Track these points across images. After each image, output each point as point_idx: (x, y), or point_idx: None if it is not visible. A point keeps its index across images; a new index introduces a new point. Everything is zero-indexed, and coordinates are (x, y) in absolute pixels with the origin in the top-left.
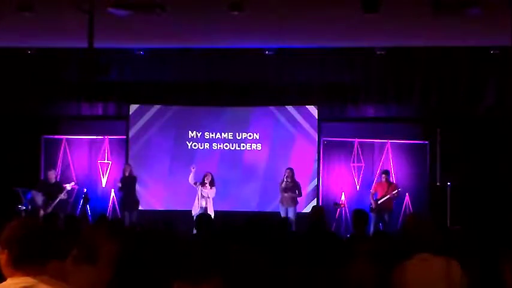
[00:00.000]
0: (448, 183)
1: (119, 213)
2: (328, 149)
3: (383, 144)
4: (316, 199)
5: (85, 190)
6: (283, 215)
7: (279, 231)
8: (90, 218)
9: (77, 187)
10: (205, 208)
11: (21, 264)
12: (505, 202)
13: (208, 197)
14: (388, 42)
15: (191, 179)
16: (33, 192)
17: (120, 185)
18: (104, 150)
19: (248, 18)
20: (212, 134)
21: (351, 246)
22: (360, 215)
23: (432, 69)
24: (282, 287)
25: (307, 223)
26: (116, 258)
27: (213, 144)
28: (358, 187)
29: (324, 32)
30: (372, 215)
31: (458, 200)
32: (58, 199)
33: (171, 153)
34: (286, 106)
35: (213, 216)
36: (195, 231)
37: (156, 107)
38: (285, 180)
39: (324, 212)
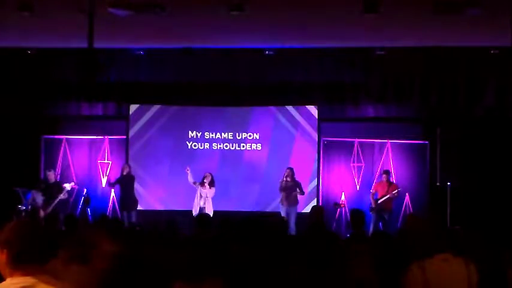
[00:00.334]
0: (448, 183)
1: (118, 213)
2: (328, 149)
3: (383, 144)
4: (316, 199)
5: (85, 190)
6: (284, 215)
7: (277, 232)
8: (90, 219)
9: (76, 187)
10: (204, 208)
11: (21, 264)
12: (504, 202)
13: (207, 197)
14: (388, 42)
15: (190, 178)
16: (33, 192)
17: (112, 181)
18: (104, 150)
19: (248, 18)
20: (212, 134)
21: (348, 246)
22: (357, 214)
23: (432, 69)
24: (282, 287)
25: (307, 223)
26: (111, 258)
27: (213, 144)
28: (358, 187)
29: (324, 32)
30: (372, 215)
31: (458, 200)
32: (58, 199)
33: (171, 153)
34: (286, 106)
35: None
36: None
37: (156, 107)
38: (284, 179)
39: (323, 212)
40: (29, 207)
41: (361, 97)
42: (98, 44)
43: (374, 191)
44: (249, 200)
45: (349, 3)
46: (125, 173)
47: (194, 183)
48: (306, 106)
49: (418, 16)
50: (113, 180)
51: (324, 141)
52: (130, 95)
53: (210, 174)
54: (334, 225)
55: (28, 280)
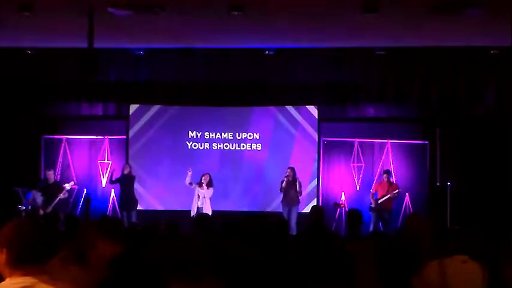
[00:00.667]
0: (448, 183)
1: (118, 213)
2: (328, 149)
3: (383, 144)
4: (316, 199)
5: (85, 190)
6: (285, 215)
7: (278, 233)
8: (90, 219)
9: (76, 187)
10: (202, 208)
11: (20, 264)
12: (504, 202)
13: (205, 197)
14: (388, 42)
15: (187, 179)
16: (33, 192)
17: (113, 179)
18: (104, 150)
19: (248, 18)
20: (212, 134)
21: (344, 245)
22: (353, 215)
23: (432, 69)
24: (281, 287)
25: (306, 223)
26: (109, 259)
27: (213, 144)
28: (358, 187)
29: (324, 32)
30: (372, 215)
31: (458, 200)
32: (58, 199)
33: (171, 153)
34: (286, 106)
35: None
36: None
37: (156, 107)
38: (285, 180)
39: (323, 212)
40: (29, 207)
41: (361, 97)
42: (98, 44)
43: (374, 190)
44: (249, 200)
45: (349, 3)
46: (125, 172)
47: (190, 183)
48: (306, 106)
49: (418, 16)
50: (114, 178)
51: (324, 141)
52: (130, 95)
53: (208, 174)
54: (334, 225)
55: (28, 280)
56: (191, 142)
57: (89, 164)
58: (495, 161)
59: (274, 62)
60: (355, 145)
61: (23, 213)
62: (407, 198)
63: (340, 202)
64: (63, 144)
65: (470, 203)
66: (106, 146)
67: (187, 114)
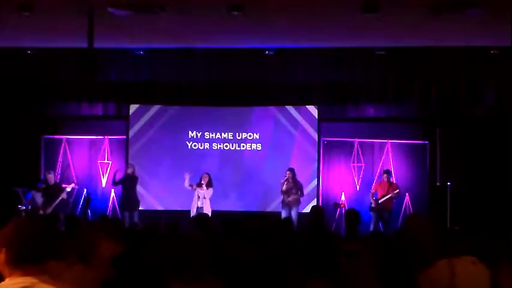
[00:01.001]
0: (448, 183)
1: (118, 213)
2: (328, 149)
3: (383, 144)
4: (316, 199)
5: (85, 191)
6: (285, 215)
7: (281, 231)
8: (90, 219)
9: (76, 187)
10: (201, 208)
11: (20, 263)
12: (504, 202)
13: (205, 198)
14: (388, 42)
15: (186, 182)
16: (33, 192)
17: (116, 180)
18: (104, 150)
19: (248, 18)
20: (212, 134)
21: (344, 245)
22: (351, 215)
23: (432, 69)
24: (281, 287)
25: (306, 223)
26: (111, 258)
27: (213, 144)
28: (358, 187)
29: (324, 32)
30: (372, 215)
31: (458, 200)
32: (58, 199)
33: (171, 153)
34: (286, 106)
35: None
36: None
37: (156, 107)
38: (285, 182)
39: (323, 212)
40: (29, 207)
41: (361, 97)
42: (98, 44)
43: (374, 190)
44: (249, 200)
45: (349, 3)
46: (129, 172)
47: (191, 186)
48: (306, 106)
49: (418, 16)
50: (117, 179)
51: (324, 141)
52: (130, 95)
53: (208, 174)
54: (334, 225)
55: (28, 280)
56: (191, 142)
57: (89, 164)
58: (495, 161)
59: (274, 62)
60: (355, 145)
61: (23, 213)
62: (407, 198)
63: (340, 202)
64: (63, 144)
65: (470, 203)
66: (106, 146)
67: (187, 114)
